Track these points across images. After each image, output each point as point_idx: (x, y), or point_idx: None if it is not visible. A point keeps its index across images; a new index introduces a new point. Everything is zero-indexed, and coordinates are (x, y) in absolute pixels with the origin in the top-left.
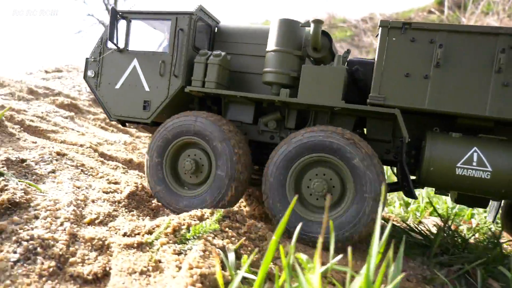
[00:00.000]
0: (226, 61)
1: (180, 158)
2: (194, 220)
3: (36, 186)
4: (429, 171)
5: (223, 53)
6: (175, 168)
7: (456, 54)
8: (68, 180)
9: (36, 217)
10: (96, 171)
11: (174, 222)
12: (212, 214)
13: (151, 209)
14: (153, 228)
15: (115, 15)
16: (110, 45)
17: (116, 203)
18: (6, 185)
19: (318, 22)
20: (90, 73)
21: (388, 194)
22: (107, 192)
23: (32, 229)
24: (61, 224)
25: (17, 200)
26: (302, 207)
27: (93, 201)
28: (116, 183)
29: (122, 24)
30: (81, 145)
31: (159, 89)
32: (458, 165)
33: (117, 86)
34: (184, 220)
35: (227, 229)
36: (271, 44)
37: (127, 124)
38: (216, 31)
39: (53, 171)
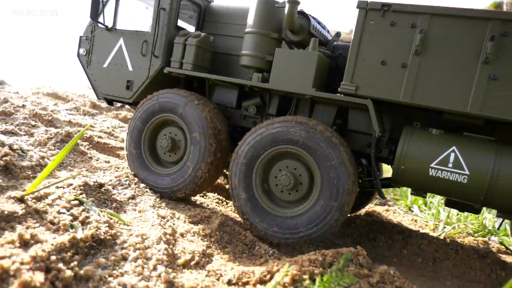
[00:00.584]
0: (206, 42)
1: (159, 136)
2: (316, 267)
3: (119, 217)
4: (400, 169)
5: (202, 34)
6: (154, 145)
7: (439, 40)
8: (150, 208)
9: (125, 258)
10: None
11: (292, 270)
12: (333, 257)
13: (245, 244)
14: (265, 276)
15: None
16: (107, 22)
17: (208, 237)
18: (87, 217)
19: (293, 3)
20: (82, 51)
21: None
22: (194, 223)
23: (122, 274)
24: (154, 268)
25: (102, 237)
26: (270, 202)
27: (182, 235)
28: (200, 209)
29: (111, 2)
30: None
31: (141, 69)
32: (432, 165)
33: (105, 65)
34: (303, 267)
35: (356, 278)
36: (249, 25)
37: (114, 103)
38: (206, 10)
39: (133, 197)
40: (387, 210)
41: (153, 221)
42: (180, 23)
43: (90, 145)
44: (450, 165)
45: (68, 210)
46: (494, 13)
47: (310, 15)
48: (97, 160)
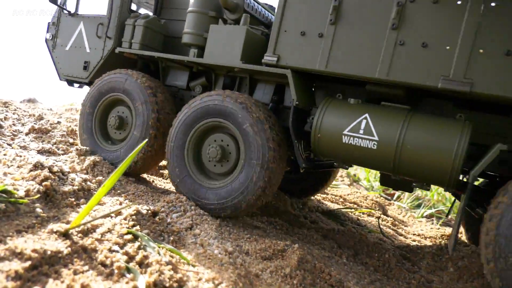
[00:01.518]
0: (154, 24)
1: (109, 115)
2: None
3: (182, 255)
4: (317, 137)
5: (151, 16)
6: (105, 125)
7: (353, 9)
8: (214, 241)
9: None
10: (239, 222)
11: None
12: None
13: (331, 285)
14: None
15: None
16: (68, 8)
17: (288, 278)
18: (146, 257)
19: None
20: (48, 35)
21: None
22: (267, 259)
23: None
24: None
25: (167, 284)
26: (201, 174)
27: (257, 276)
28: (270, 240)
29: None
30: None
31: (97, 50)
32: (345, 132)
33: (67, 48)
34: None
35: None
36: (190, 5)
37: (74, 84)
38: None
39: (191, 227)
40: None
41: (221, 259)
42: (142, 10)
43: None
44: (361, 131)
45: (121, 247)
46: None
47: None
48: (139, 181)
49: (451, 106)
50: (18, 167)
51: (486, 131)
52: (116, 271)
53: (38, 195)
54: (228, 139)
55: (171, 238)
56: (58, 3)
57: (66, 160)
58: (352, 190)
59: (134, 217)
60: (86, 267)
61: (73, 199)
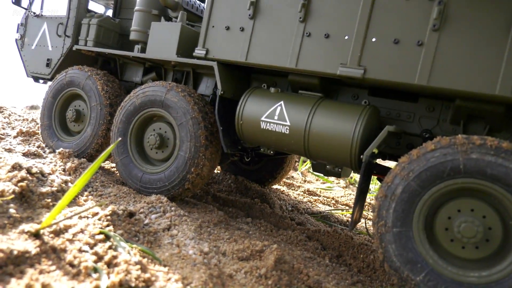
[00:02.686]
0: (108, 23)
1: (68, 108)
2: None
3: (154, 254)
4: (239, 124)
5: (105, 15)
6: (64, 117)
7: (270, 4)
8: (190, 242)
9: None
10: (221, 223)
11: None
12: None
13: (308, 286)
14: None
15: None
16: (34, 10)
17: (263, 278)
18: (115, 257)
19: None
20: (17, 35)
21: None
22: (244, 259)
23: None
24: None
25: (133, 284)
26: (144, 162)
27: (231, 277)
28: (249, 241)
29: None
30: None
31: (57, 48)
32: (262, 118)
33: (33, 47)
34: None
35: None
36: (137, 4)
37: (40, 80)
38: None
39: (169, 227)
40: None
41: (195, 259)
42: (109, 12)
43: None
44: (276, 117)
45: (91, 248)
46: None
47: None
48: (123, 183)
49: (366, 94)
50: None
51: (396, 117)
52: (83, 271)
53: (13, 196)
54: (168, 129)
55: (147, 239)
56: (21, 4)
57: (50, 163)
58: (346, 193)
59: (109, 217)
60: (53, 267)
61: (50, 200)
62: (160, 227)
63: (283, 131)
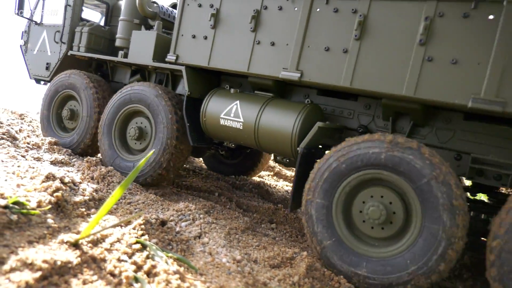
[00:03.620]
0: (98, 30)
1: (63, 108)
2: None
3: (190, 263)
4: (203, 121)
5: (95, 23)
6: (60, 115)
7: (227, 16)
8: (222, 249)
9: None
10: (248, 230)
11: None
12: None
13: None
14: None
15: None
16: (35, 18)
17: (296, 287)
18: (154, 266)
19: None
20: (22, 41)
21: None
22: (275, 267)
23: None
24: None
25: None
26: (125, 151)
27: (265, 285)
28: (279, 248)
29: (39, 2)
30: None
31: (55, 53)
32: (221, 116)
33: (35, 52)
34: None
35: None
36: (121, 14)
37: (41, 81)
38: (114, 7)
39: (200, 235)
40: None
41: (229, 267)
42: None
43: None
44: (232, 115)
45: (130, 257)
46: None
47: (162, 6)
48: (147, 190)
49: (315, 94)
50: (31, 178)
51: (339, 113)
52: (124, 280)
53: (50, 206)
54: (147, 123)
55: (180, 247)
56: (24, 15)
57: (78, 171)
58: None
59: (143, 226)
60: (95, 277)
61: (84, 209)
62: (191, 235)
63: (237, 127)
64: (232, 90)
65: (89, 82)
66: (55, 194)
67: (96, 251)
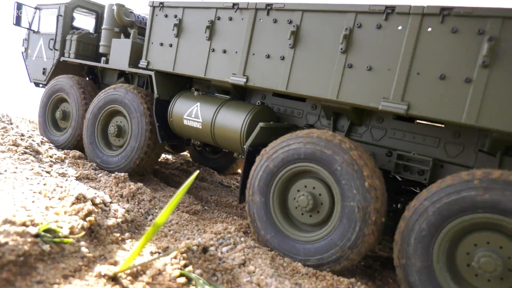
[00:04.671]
0: (86, 38)
1: (57, 110)
2: None
3: None
4: (170, 121)
5: (84, 31)
6: (54, 115)
7: (188, 26)
8: (271, 280)
9: None
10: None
11: None
12: None
13: None
14: None
15: (20, 7)
16: (33, 27)
17: None
18: None
19: (118, 5)
20: (23, 48)
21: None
22: None
23: None
24: None
25: None
26: (105, 146)
27: None
28: (332, 278)
29: (36, 13)
30: None
31: (50, 59)
32: (185, 116)
33: (33, 58)
34: None
35: None
36: (103, 23)
37: (40, 85)
38: (101, 15)
39: (244, 263)
40: None
41: None
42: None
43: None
44: (193, 115)
45: None
46: (214, 3)
47: (138, 15)
48: (180, 209)
49: (271, 95)
50: (59, 199)
51: (290, 113)
52: None
53: (83, 233)
54: (125, 121)
55: (225, 278)
56: (21, 25)
57: (105, 187)
58: None
59: (184, 255)
60: None
61: (118, 234)
62: (235, 262)
63: (197, 127)
64: (195, 93)
65: (77, 85)
66: (87, 219)
67: (137, 286)
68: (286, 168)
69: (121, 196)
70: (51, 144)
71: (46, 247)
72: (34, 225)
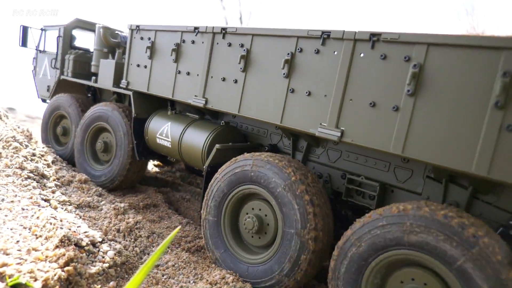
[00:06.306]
0: (83, 57)
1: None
2: None
3: None
4: (146, 139)
5: (81, 51)
6: (56, 133)
7: (159, 48)
8: None
9: None
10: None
11: None
12: None
13: None
14: None
15: (26, 30)
16: (40, 47)
17: None
18: None
19: (104, 28)
20: (32, 66)
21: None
22: None
23: None
24: None
25: None
26: (94, 160)
27: None
28: None
29: (42, 34)
30: None
31: (53, 77)
32: (157, 135)
33: (40, 76)
34: None
35: None
36: (94, 44)
37: (46, 100)
38: None
39: None
40: None
41: None
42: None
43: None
44: (164, 135)
45: None
46: (180, 27)
47: (124, 35)
48: (180, 247)
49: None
50: (45, 238)
51: (256, 132)
52: None
53: (57, 286)
54: (111, 138)
55: None
56: (28, 46)
57: (104, 218)
58: None
59: None
60: None
61: (99, 286)
62: None
63: (167, 145)
64: (169, 112)
65: (75, 102)
66: (66, 268)
67: None
68: (236, 188)
69: (118, 231)
70: (62, 164)
71: None
72: (3, 278)
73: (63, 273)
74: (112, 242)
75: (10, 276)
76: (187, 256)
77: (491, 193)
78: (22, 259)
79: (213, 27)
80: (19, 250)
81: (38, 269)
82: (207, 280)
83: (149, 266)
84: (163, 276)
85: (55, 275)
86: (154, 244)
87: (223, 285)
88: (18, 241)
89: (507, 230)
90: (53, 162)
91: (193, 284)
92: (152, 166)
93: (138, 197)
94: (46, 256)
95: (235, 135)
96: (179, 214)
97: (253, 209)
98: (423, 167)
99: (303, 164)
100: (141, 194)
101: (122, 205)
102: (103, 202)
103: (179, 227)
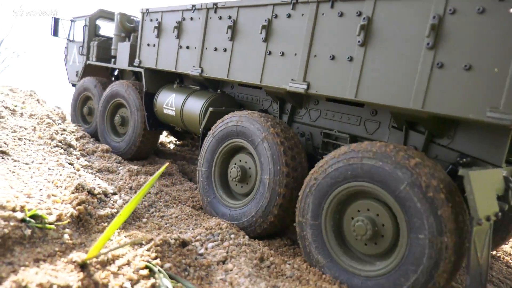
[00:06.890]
0: (105, 43)
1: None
2: None
3: None
4: (155, 110)
5: (103, 38)
6: (83, 112)
7: (165, 27)
8: (245, 280)
9: None
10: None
11: None
12: None
13: None
14: None
15: (57, 21)
16: (70, 37)
17: None
18: None
19: (120, 14)
20: (64, 55)
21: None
22: None
23: None
24: None
25: None
26: (114, 134)
27: None
28: (315, 283)
29: (71, 24)
30: None
31: (80, 63)
32: (164, 106)
33: (70, 63)
34: None
35: None
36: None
37: (75, 85)
38: None
39: (224, 260)
40: None
41: None
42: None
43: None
44: (169, 105)
45: (133, 285)
46: (181, 6)
47: (139, 20)
48: (185, 204)
49: (237, 85)
50: (65, 188)
51: (250, 100)
52: None
53: (68, 220)
54: (128, 113)
55: (197, 274)
56: (59, 35)
57: (120, 179)
58: None
59: (159, 248)
60: None
61: (107, 224)
62: (215, 259)
63: (172, 114)
64: (174, 85)
65: (98, 84)
66: (77, 208)
67: (101, 275)
68: (224, 143)
69: (130, 188)
70: (90, 139)
71: (28, 232)
72: (23, 211)
73: (74, 211)
74: (122, 194)
75: (30, 210)
76: (190, 210)
77: (445, 136)
78: (42, 201)
79: (207, 4)
80: (41, 195)
81: (54, 208)
82: (204, 227)
83: (140, 195)
84: (165, 224)
85: (67, 212)
86: (161, 200)
87: (217, 230)
88: (41, 189)
89: (455, 167)
90: (81, 137)
91: (192, 230)
92: (166, 139)
93: (155, 166)
94: (63, 200)
95: (229, 102)
96: (193, 183)
97: (240, 160)
98: (388, 118)
99: (289, 125)
100: (158, 164)
101: (135, 167)
102: (121, 167)
103: (167, 163)
